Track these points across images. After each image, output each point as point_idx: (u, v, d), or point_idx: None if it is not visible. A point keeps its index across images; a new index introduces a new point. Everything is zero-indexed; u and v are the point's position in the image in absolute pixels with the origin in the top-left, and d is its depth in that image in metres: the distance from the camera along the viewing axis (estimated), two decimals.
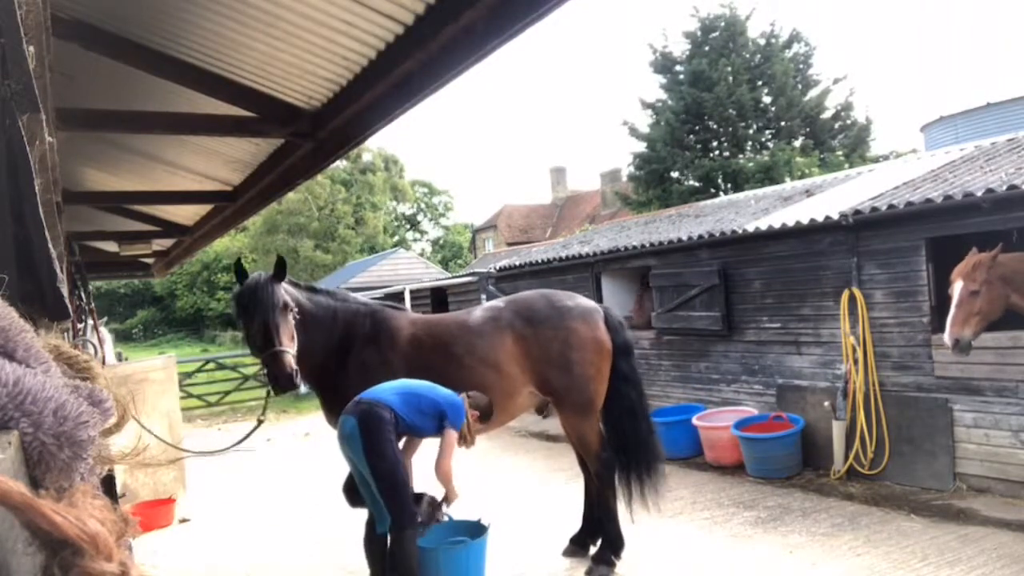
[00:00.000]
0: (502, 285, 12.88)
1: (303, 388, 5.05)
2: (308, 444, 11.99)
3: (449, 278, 17.26)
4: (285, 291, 4.60)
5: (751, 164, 23.65)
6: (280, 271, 4.59)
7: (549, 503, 7.17)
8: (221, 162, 5.86)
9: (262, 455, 11.17)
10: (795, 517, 6.30)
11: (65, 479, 0.74)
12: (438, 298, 15.43)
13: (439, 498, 4.57)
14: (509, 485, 8.07)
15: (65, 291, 1.93)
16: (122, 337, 49.13)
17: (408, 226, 52.58)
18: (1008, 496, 6.00)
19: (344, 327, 4.95)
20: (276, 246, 38.48)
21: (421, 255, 40.37)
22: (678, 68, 25.97)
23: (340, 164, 41.41)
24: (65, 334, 4.75)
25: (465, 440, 4.41)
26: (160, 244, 9.46)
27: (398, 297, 15.92)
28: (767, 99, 24.91)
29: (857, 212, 6.91)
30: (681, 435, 8.36)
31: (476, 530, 4.67)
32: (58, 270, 1.77)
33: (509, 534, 5.95)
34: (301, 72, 3.92)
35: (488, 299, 11.02)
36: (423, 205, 53.35)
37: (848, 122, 25.17)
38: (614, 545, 5.26)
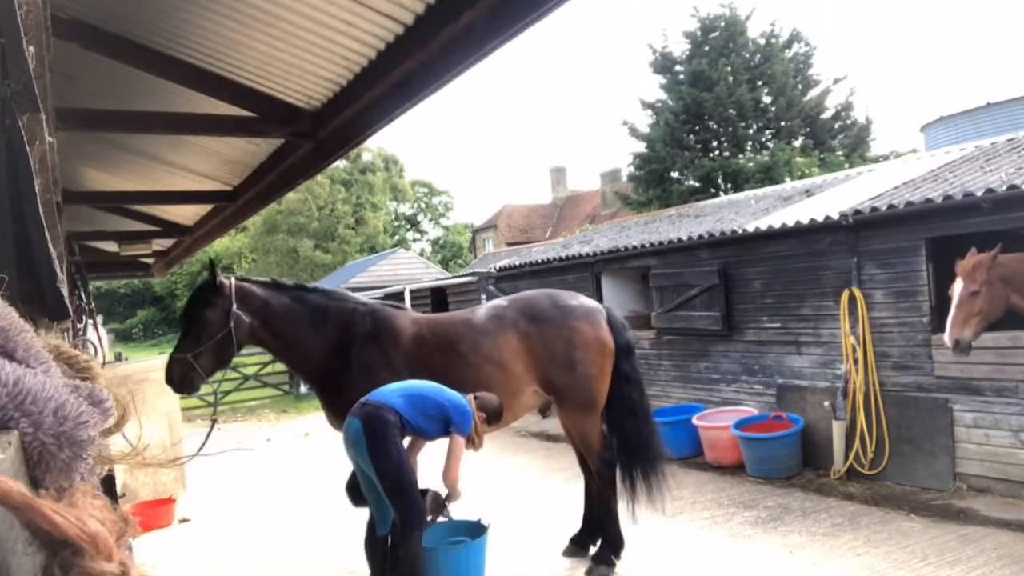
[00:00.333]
0: (502, 285, 12.88)
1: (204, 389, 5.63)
2: (308, 444, 11.99)
3: (449, 278, 17.27)
4: (239, 293, 4.75)
5: (751, 164, 23.66)
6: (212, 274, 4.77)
7: (549, 503, 7.18)
8: (221, 162, 5.86)
9: (262, 455, 11.18)
10: (795, 517, 6.30)
11: (65, 479, 0.74)
12: (438, 298, 15.44)
13: (443, 494, 4.55)
14: (509, 485, 8.07)
15: (65, 291, 1.93)
16: (122, 337, 49.17)
17: (408, 226, 52.61)
18: (1008, 496, 6.00)
19: (341, 326, 4.95)
20: (276, 246, 38.52)
21: (421, 255, 40.41)
22: (678, 68, 25.98)
23: (340, 164, 41.42)
24: (65, 334, 4.75)
25: (473, 443, 4.37)
26: (160, 244, 9.46)
27: (398, 297, 15.91)
28: (767, 99, 24.93)
29: (857, 212, 6.91)
30: (681, 435, 8.36)
31: (476, 530, 4.67)
32: (58, 270, 1.77)
33: (509, 534, 5.95)
34: (301, 72, 3.92)
35: (488, 299, 11.02)
36: (423, 205, 53.37)
37: (848, 122, 25.19)
38: (614, 545, 5.26)
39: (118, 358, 9.98)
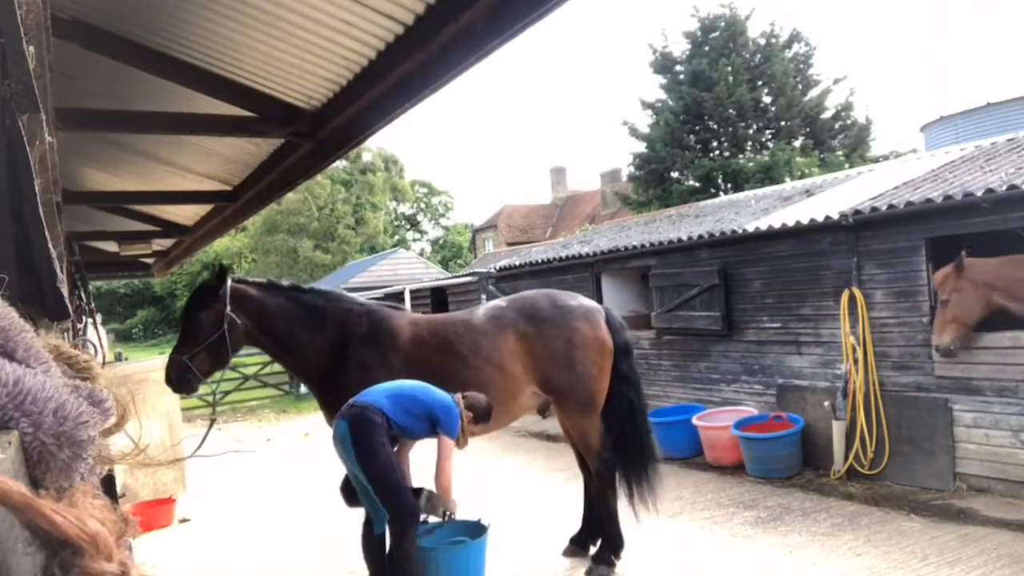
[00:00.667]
0: (502, 285, 12.88)
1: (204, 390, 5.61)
2: (308, 444, 11.98)
3: (449, 278, 17.27)
4: (234, 294, 4.77)
5: (751, 164, 23.66)
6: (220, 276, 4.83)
7: (549, 503, 7.17)
8: (221, 162, 5.86)
9: (262, 455, 11.18)
10: (795, 517, 6.30)
11: (65, 479, 0.74)
12: (438, 298, 15.44)
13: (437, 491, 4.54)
14: (509, 485, 8.07)
15: (65, 291, 1.93)
16: (122, 337, 49.17)
17: (408, 226, 52.63)
18: (1008, 496, 6.00)
19: (337, 327, 4.95)
20: (276, 246, 38.51)
21: (421, 255, 40.41)
22: (678, 68, 25.99)
23: (340, 164, 41.43)
24: (65, 334, 4.75)
25: (457, 441, 4.36)
26: (160, 244, 9.47)
27: (398, 297, 15.92)
28: (767, 99, 24.93)
29: (857, 212, 6.91)
30: (681, 435, 8.37)
31: (476, 530, 4.67)
32: (58, 270, 1.77)
33: (509, 534, 5.95)
34: (301, 72, 3.92)
35: (488, 299, 11.03)
36: (423, 205, 53.39)
37: (848, 122, 25.19)
38: (614, 545, 5.26)
39: (118, 358, 9.98)
